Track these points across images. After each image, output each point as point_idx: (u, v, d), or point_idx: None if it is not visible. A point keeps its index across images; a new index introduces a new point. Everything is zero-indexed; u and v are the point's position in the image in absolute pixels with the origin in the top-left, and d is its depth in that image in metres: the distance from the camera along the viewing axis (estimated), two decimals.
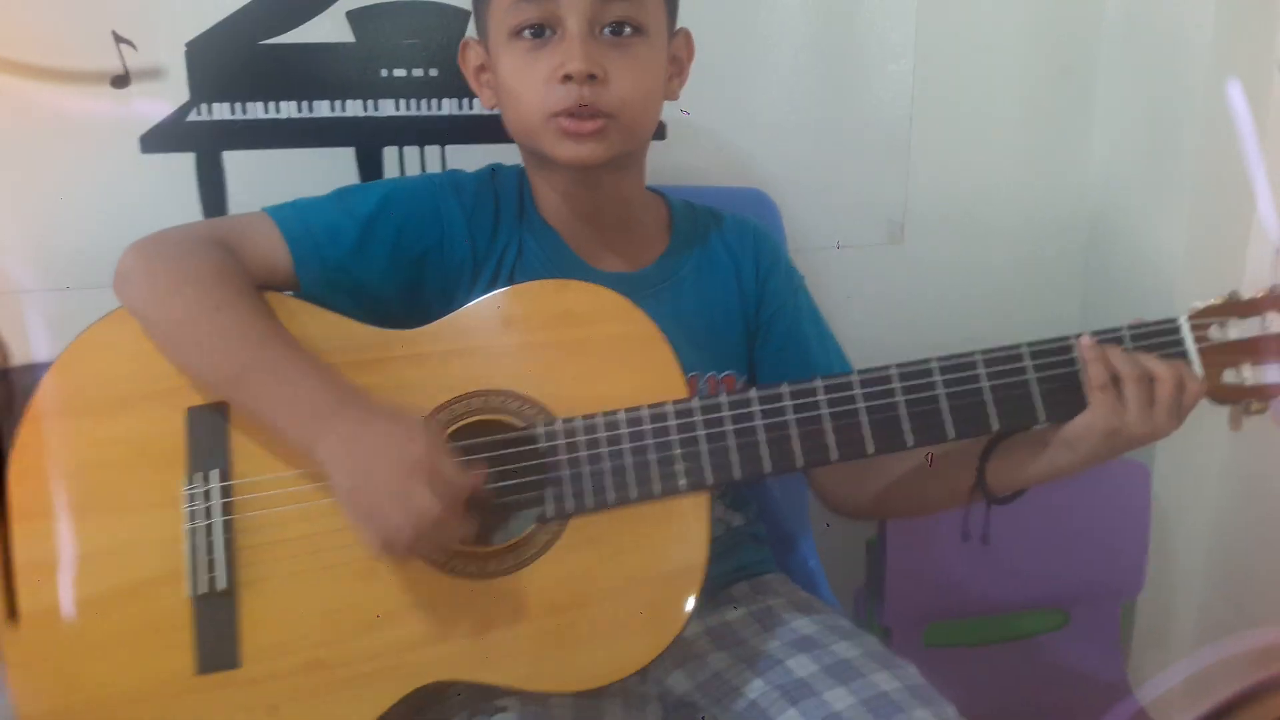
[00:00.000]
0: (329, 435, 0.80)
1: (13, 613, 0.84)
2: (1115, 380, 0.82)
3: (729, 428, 0.84)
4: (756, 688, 0.89)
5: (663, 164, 1.25)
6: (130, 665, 0.84)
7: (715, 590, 1.02)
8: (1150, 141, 1.39)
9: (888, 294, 1.43)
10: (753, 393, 0.85)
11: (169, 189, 1.17)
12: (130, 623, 0.84)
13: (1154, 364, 0.82)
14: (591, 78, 0.88)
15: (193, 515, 0.85)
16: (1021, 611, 1.39)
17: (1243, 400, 0.85)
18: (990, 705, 1.33)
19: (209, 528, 0.84)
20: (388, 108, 1.21)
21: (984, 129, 1.43)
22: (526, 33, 0.91)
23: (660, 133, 1.28)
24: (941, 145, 1.41)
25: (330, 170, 1.21)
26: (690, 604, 0.82)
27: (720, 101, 1.30)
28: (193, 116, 1.16)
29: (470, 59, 1.00)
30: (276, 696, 0.83)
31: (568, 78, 0.88)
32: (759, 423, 0.84)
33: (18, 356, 1.07)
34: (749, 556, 1.06)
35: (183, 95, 1.15)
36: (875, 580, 1.32)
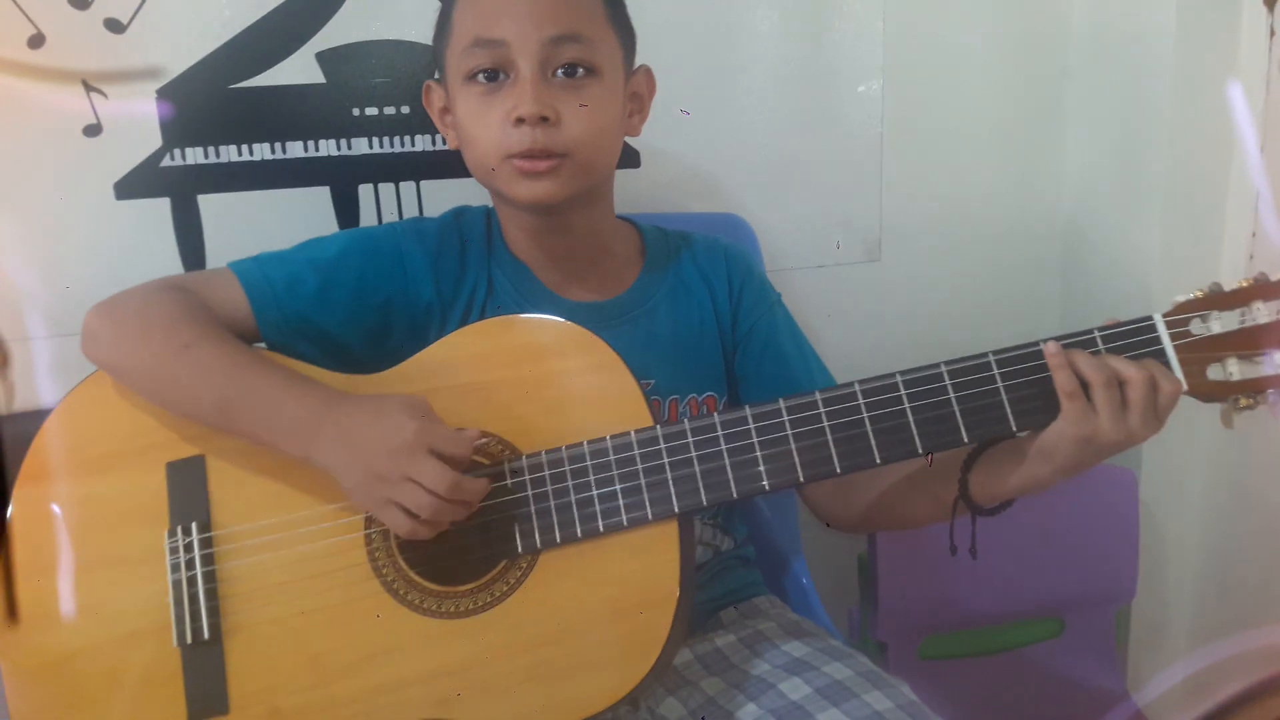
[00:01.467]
0: (320, 440, 0.82)
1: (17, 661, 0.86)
2: (1085, 386, 0.79)
3: (693, 454, 0.83)
4: (750, 713, 0.89)
5: (637, 192, 1.25)
6: (127, 716, 0.85)
7: (704, 616, 1.02)
8: (1121, 150, 1.39)
9: (867, 312, 1.43)
10: (715, 418, 0.84)
11: (146, 234, 1.17)
12: (125, 673, 0.86)
13: (1123, 366, 0.79)
14: (544, 120, 0.89)
15: (175, 567, 0.86)
16: (1016, 621, 1.38)
17: (1230, 396, 0.81)
18: (989, 716, 1.33)
19: (191, 579, 0.85)
20: (361, 146, 1.22)
21: (955, 145, 1.44)
22: (480, 77, 0.92)
23: (634, 161, 1.28)
24: (914, 163, 1.42)
25: (307, 210, 1.21)
26: (665, 631, 0.81)
27: (693, 128, 1.31)
28: (166, 162, 1.16)
29: (434, 101, 1.00)
30: None
31: (520, 120, 0.89)
32: (723, 447, 0.83)
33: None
34: (738, 580, 1.06)
35: (155, 141, 1.16)
36: (869, 596, 1.32)
